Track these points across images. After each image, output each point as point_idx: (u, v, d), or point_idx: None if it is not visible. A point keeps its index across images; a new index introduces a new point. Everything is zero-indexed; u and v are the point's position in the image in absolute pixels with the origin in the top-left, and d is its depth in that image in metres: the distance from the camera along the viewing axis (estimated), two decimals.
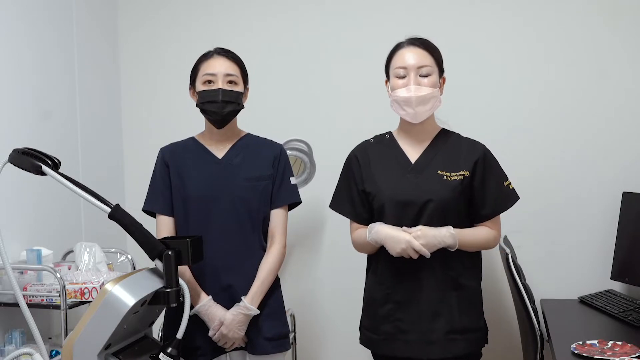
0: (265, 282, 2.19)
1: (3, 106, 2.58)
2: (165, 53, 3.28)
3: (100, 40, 3.23)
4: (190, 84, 2.26)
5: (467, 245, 2.06)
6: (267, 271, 2.20)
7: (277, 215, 2.26)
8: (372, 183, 2.13)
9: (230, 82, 2.19)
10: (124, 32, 3.34)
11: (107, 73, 3.28)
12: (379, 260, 2.12)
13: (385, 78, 2.18)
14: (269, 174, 2.25)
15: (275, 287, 2.26)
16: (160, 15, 3.30)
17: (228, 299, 2.18)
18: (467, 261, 2.10)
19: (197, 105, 2.22)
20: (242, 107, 2.24)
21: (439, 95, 2.11)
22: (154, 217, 2.26)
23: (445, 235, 2.01)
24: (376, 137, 2.24)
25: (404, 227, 2.02)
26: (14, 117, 2.64)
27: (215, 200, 2.20)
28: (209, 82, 2.18)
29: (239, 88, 2.22)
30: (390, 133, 2.23)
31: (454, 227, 2.03)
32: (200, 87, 2.20)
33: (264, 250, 2.24)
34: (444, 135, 2.17)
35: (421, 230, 2.00)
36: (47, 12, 2.86)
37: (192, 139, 2.32)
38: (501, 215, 2.15)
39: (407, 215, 2.06)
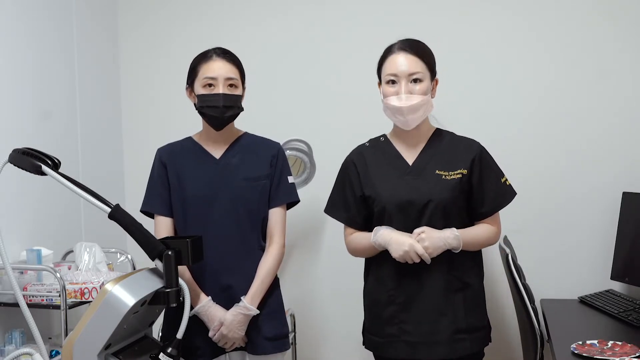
0: (264, 281, 2.19)
1: (3, 106, 2.58)
2: (165, 53, 3.27)
3: (100, 40, 3.23)
4: (188, 84, 2.24)
5: (470, 245, 2.06)
6: (267, 271, 2.20)
7: (275, 215, 2.26)
8: (371, 187, 2.13)
9: (231, 85, 2.19)
10: (124, 32, 3.34)
11: (107, 73, 3.27)
12: (382, 262, 2.11)
13: (377, 80, 2.17)
14: (267, 173, 2.24)
15: (274, 287, 2.26)
16: (160, 15, 3.30)
17: (227, 300, 2.18)
18: (470, 260, 2.11)
19: (196, 109, 2.21)
20: (242, 109, 2.24)
21: (431, 100, 2.10)
22: (152, 218, 2.26)
23: (449, 237, 2.01)
24: (371, 141, 2.24)
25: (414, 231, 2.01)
26: (14, 117, 2.63)
27: (213, 200, 2.19)
28: (209, 85, 2.17)
29: (239, 91, 2.21)
30: (384, 136, 2.22)
31: (456, 226, 2.04)
32: (200, 90, 2.19)
33: (263, 250, 2.24)
34: (439, 135, 2.17)
35: (425, 232, 1.99)
36: (47, 12, 2.86)
37: (190, 139, 2.31)
38: (502, 215, 2.15)
39: (408, 217, 2.06)
